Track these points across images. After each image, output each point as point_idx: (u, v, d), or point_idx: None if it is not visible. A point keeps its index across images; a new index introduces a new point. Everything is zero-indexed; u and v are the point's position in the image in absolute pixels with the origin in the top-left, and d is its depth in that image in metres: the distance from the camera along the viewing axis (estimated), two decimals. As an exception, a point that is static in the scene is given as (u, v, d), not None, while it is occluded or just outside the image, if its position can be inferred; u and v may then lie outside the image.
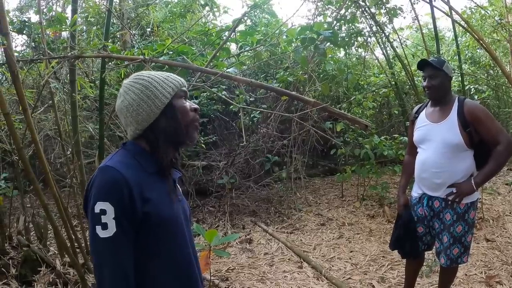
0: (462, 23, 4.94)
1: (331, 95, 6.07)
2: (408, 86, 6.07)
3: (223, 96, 4.06)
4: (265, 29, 5.98)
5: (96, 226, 0.95)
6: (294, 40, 3.39)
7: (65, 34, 4.04)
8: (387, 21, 5.20)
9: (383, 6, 4.85)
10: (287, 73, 4.79)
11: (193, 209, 4.61)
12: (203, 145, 4.93)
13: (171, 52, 2.99)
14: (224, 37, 3.42)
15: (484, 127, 2.03)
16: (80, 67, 3.24)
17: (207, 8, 7.29)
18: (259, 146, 5.11)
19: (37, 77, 3.63)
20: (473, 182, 2.04)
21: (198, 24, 6.25)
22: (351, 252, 3.50)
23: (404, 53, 5.81)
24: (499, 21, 5.62)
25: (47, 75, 2.59)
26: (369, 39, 5.35)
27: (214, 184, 4.75)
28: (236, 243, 3.75)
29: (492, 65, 6.80)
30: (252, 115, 5.35)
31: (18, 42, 6.82)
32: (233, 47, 4.43)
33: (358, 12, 4.87)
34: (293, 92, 3.45)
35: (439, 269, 2.43)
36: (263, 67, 5.95)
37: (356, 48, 5.36)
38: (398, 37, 5.61)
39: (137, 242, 1.01)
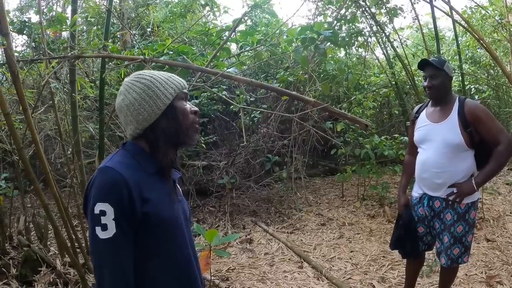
0: (463, 22, 4.94)
1: (331, 95, 6.07)
2: (408, 86, 6.07)
3: (224, 96, 4.06)
4: (265, 29, 5.98)
5: (96, 227, 0.95)
6: (295, 40, 3.39)
7: (65, 34, 4.05)
8: (388, 21, 5.20)
9: (384, 6, 4.85)
10: (288, 73, 4.79)
11: (193, 209, 4.61)
12: (203, 145, 4.93)
13: (172, 52, 2.99)
14: (224, 37, 3.42)
15: (485, 127, 2.02)
16: (80, 67, 3.23)
17: (207, 8, 7.28)
18: (259, 146, 5.11)
19: (37, 77, 3.63)
20: (473, 182, 2.04)
21: (198, 24, 6.25)
22: (351, 252, 3.50)
23: (405, 53, 5.82)
24: (499, 21, 5.62)
25: (47, 75, 2.58)
26: (369, 39, 5.34)
27: (215, 184, 4.76)
28: (237, 243, 3.75)
29: (493, 65, 6.80)
30: (252, 115, 5.35)
31: (18, 42, 6.85)
32: (233, 47, 4.43)
33: (359, 12, 4.87)
34: (294, 92, 3.45)
35: (439, 269, 2.43)
36: (264, 67, 5.95)
37: (357, 48, 5.36)
38: (399, 37, 5.61)
39: (137, 242, 1.00)
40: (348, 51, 5.85)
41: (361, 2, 4.74)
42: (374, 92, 5.54)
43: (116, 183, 0.97)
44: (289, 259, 3.38)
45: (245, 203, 4.74)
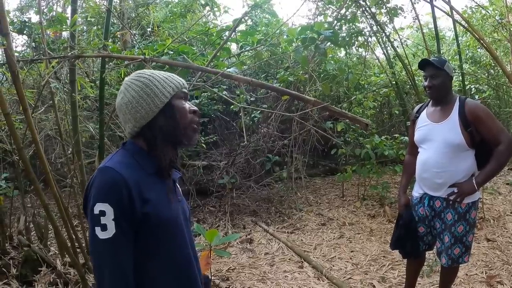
0: (463, 22, 4.93)
1: (331, 95, 6.06)
2: (408, 86, 6.06)
3: (224, 96, 4.06)
4: (265, 29, 5.98)
5: (96, 227, 0.95)
6: (295, 40, 3.39)
7: (65, 34, 4.05)
8: (388, 21, 5.20)
9: (384, 6, 4.85)
10: (288, 73, 4.79)
11: (193, 209, 4.61)
12: (203, 145, 4.93)
13: (172, 52, 2.99)
14: (225, 37, 3.42)
15: (485, 126, 2.02)
16: (80, 67, 3.23)
17: (207, 8, 7.28)
18: (259, 146, 5.11)
19: (37, 77, 3.63)
20: (474, 182, 2.04)
21: (199, 24, 6.25)
22: (351, 252, 3.50)
23: (405, 52, 5.81)
24: (499, 20, 5.62)
25: (47, 75, 2.58)
26: (369, 38, 5.34)
27: (215, 184, 4.75)
28: (237, 243, 3.75)
29: (493, 64, 6.80)
30: (252, 115, 5.35)
31: (19, 42, 6.85)
32: (233, 47, 4.43)
33: (359, 12, 4.87)
34: (294, 92, 3.44)
35: (440, 269, 2.43)
36: (264, 67, 5.95)
37: (357, 47, 5.36)
38: (399, 36, 5.61)
39: (136, 242, 1.00)
40: (348, 51, 5.85)
41: (361, 2, 4.74)
42: (374, 92, 5.53)
43: (116, 183, 0.97)
44: (289, 259, 3.38)
45: (245, 203, 4.74)
